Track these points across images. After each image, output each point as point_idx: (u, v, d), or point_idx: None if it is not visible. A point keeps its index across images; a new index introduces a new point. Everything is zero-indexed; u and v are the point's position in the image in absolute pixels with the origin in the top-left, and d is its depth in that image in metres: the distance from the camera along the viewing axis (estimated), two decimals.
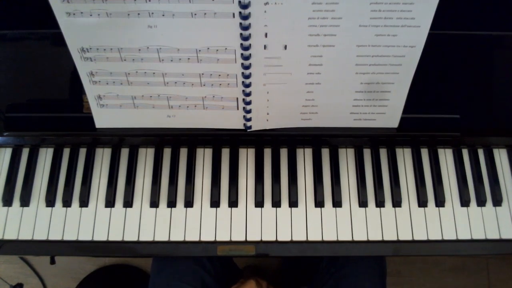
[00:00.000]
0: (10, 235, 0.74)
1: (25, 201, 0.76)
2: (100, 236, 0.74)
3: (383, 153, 0.79)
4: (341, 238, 0.73)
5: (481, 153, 0.79)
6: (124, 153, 0.79)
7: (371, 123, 0.75)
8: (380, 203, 0.75)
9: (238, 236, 0.74)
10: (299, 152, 0.79)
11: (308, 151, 0.79)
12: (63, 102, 0.77)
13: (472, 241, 0.74)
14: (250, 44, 0.63)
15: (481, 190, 0.76)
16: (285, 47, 0.63)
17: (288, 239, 0.73)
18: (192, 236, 0.74)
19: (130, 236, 0.74)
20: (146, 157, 0.79)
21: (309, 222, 0.74)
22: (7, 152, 0.79)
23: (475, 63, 0.75)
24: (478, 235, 0.74)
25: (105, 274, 1.42)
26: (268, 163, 0.78)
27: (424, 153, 0.79)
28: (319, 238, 0.73)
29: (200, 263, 0.84)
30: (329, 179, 0.77)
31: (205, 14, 0.60)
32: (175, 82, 0.68)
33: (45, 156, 0.79)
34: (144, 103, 0.72)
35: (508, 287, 1.43)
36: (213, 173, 0.77)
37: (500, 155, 0.79)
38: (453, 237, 0.74)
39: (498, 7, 0.72)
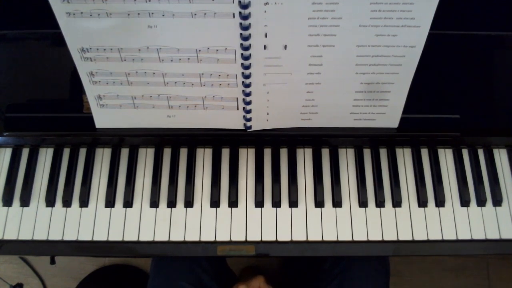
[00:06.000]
0: (10, 235, 0.74)
1: (25, 201, 0.76)
2: (100, 236, 0.74)
3: (383, 153, 0.79)
4: (341, 238, 0.73)
5: (481, 153, 0.79)
6: (124, 153, 0.79)
7: (371, 123, 0.75)
8: (380, 203, 0.75)
9: (238, 236, 0.74)
10: (299, 152, 0.79)
11: (308, 151, 0.79)
12: (63, 102, 0.77)
13: (472, 241, 0.74)
14: (250, 44, 0.63)
15: (481, 190, 0.76)
16: (285, 47, 0.63)
17: (288, 239, 0.73)
18: (192, 236, 0.74)
19: (130, 236, 0.74)
20: (146, 157, 0.79)
21: (309, 222, 0.74)
22: (7, 152, 0.79)
23: (475, 63, 0.75)
24: (478, 235, 0.74)
25: (105, 274, 1.42)
26: (268, 163, 0.78)
27: (424, 153, 0.79)
28: (319, 238, 0.73)
29: (198, 262, 0.84)
30: (329, 179, 0.77)
31: (205, 14, 0.60)
32: (175, 82, 0.68)
33: (45, 156, 0.79)
34: (144, 103, 0.72)
35: (508, 287, 1.43)
36: (213, 173, 0.77)
37: (500, 155, 0.79)
38: (453, 237, 0.74)
39: (498, 7, 0.72)
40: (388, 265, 0.87)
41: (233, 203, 0.76)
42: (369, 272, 0.82)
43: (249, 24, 0.61)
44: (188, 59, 0.65)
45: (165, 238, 0.74)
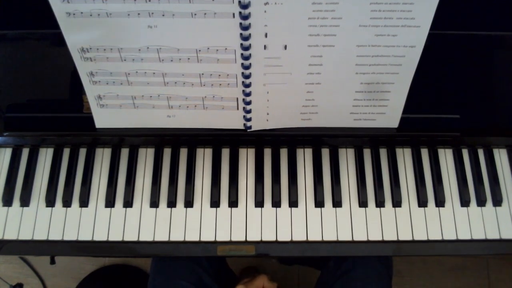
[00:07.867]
0: (10, 235, 0.74)
1: (25, 201, 0.76)
2: (100, 236, 0.74)
3: (383, 153, 0.79)
4: (341, 238, 0.73)
5: (481, 153, 0.79)
6: (124, 153, 0.79)
7: (371, 123, 0.75)
8: (380, 203, 0.75)
9: (238, 236, 0.74)
10: (299, 152, 0.79)
11: (308, 151, 0.79)
12: (63, 102, 0.77)
13: (472, 241, 0.74)
14: (250, 44, 0.63)
15: (481, 190, 0.76)
16: (285, 47, 0.63)
17: (288, 239, 0.73)
18: (192, 236, 0.74)
19: (130, 236, 0.74)
20: (146, 157, 0.79)
21: (309, 222, 0.74)
22: (7, 152, 0.79)
23: (475, 63, 0.75)
24: (478, 235, 0.74)
25: (105, 274, 1.42)
26: (268, 163, 0.78)
27: (424, 153, 0.79)
28: (319, 238, 0.73)
29: (198, 262, 0.84)
30: (329, 179, 0.77)
31: (205, 14, 0.60)
32: (175, 82, 0.68)
33: (45, 156, 0.79)
34: (144, 103, 0.72)
35: (508, 287, 1.43)
36: (213, 173, 0.77)
37: (500, 155, 0.79)
38: (453, 237, 0.74)
39: (498, 7, 0.72)
40: (391, 267, 0.87)
41: (233, 203, 0.76)
42: (372, 274, 0.82)
43: (249, 24, 0.61)
44: (188, 59, 0.65)
45: (165, 238, 0.74)
